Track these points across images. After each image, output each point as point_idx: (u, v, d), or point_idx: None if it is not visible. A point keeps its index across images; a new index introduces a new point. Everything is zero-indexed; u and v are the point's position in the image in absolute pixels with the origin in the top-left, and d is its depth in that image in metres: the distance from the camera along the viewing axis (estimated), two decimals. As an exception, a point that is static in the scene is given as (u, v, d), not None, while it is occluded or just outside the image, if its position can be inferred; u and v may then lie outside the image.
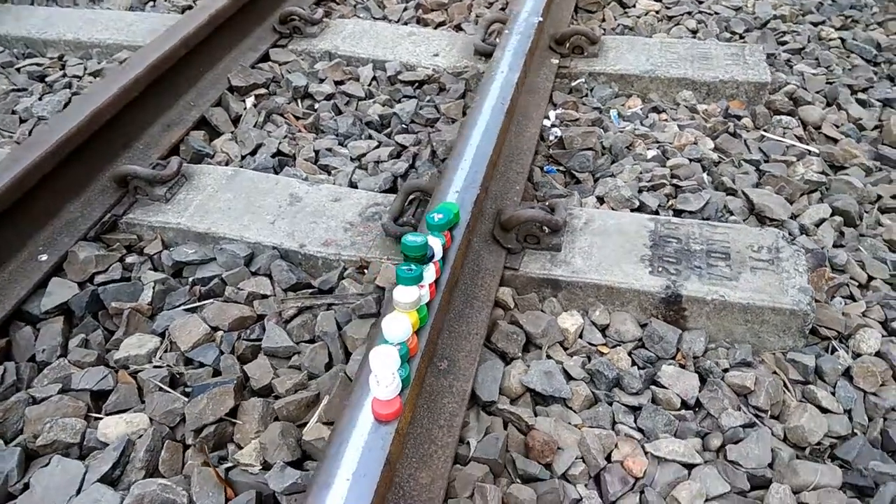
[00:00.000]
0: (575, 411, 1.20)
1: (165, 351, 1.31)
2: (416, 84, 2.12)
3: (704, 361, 1.28)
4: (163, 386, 1.23)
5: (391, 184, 1.72)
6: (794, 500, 1.06)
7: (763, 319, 1.31)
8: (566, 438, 1.14)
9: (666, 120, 1.96)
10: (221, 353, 1.29)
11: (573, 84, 2.07)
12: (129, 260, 1.49)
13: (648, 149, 1.81)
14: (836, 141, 1.89)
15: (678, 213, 1.61)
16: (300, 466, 1.10)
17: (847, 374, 1.28)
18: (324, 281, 1.43)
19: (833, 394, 1.25)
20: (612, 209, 1.61)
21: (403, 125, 1.92)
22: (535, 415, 1.18)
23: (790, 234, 1.55)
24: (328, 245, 1.49)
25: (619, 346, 1.32)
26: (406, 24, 2.47)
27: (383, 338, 0.96)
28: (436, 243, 1.08)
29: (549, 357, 1.27)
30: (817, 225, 1.60)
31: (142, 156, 1.70)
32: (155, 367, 1.27)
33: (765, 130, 1.90)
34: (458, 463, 1.09)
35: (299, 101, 2.05)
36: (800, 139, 1.88)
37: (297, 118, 1.98)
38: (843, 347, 1.34)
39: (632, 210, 1.60)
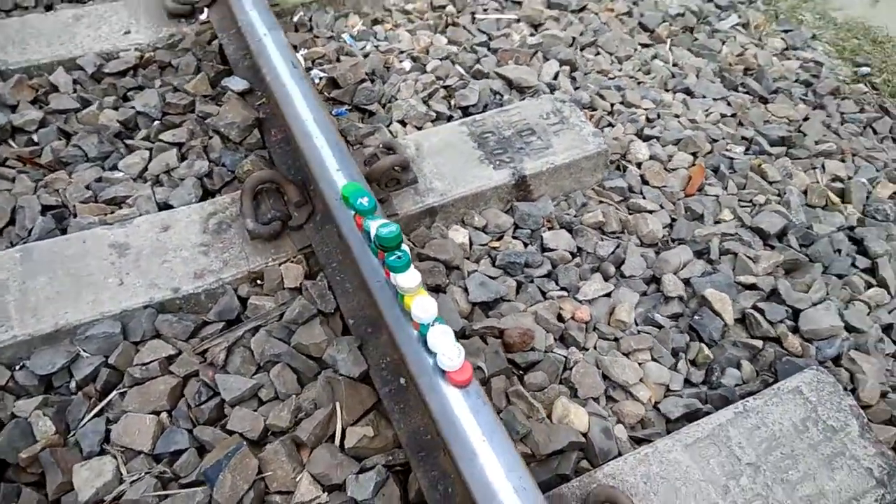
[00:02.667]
0: (514, 301, 1.43)
1: (125, 462, 1.15)
2: (130, 72, 1.88)
3: (562, 217, 1.59)
4: (162, 493, 1.11)
5: (201, 188, 1.59)
6: (681, 281, 1.47)
7: (581, 168, 1.65)
8: (527, 323, 1.37)
9: (391, 28, 2.10)
10: (190, 429, 1.19)
11: (295, 20, 2.06)
12: (-19, 405, 1.20)
13: (402, 61, 1.95)
14: (520, 4, 2.26)
15: (465, 110, 1.83)
16: (363, 469, 1.14)
17: (643, 179, 1.72)
18: (221, 311, 1.35)
19: (644, 198, 1.67)
20: (418, 128, 1.76)
21: (158, 121, 1.73)
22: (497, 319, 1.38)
23: (544, 92, 1.90)
24: (202, 276, 1.38)
25: (504, 235, 1.55)
26: (60, 5, 2.09)
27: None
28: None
29: (469, 273, 1.45)
30: (555, 78, 1.98)
31: None
32: (133, 482, 1.12)
33: (472, 12, 2.18)
34: (482, 383, 1.25)
35: (11, 140, 1.68)
36: (501, 10, 2.20)
37: (29, 160, 1.64)
38: (627, 163, 1.76)
39: (432, 122, 1.78)
